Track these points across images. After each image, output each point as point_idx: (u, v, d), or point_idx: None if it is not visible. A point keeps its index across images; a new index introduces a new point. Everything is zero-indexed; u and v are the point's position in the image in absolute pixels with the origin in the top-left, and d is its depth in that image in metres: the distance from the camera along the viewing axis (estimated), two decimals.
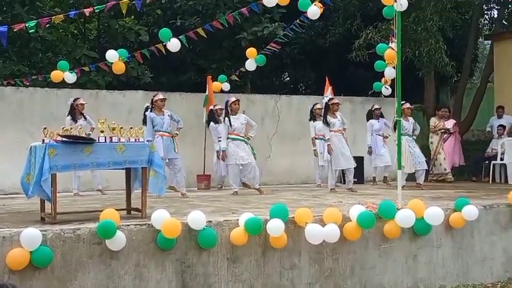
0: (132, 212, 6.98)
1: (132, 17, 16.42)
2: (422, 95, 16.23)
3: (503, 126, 13.64)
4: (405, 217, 6.65)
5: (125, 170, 6.99)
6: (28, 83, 11.92)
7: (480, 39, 20.31)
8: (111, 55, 9.56)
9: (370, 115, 12.75)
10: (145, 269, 5.78)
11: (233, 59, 15.73)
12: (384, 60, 9.16)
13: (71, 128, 6.60)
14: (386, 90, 10.78)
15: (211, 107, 11.72)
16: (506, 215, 7.65)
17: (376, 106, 12.73)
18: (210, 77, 12.71)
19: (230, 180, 10.70)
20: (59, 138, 6.23)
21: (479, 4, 15.54)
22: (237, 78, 12.77)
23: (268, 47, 11.04)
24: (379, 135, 12.60)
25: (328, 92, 13.85)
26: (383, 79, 10.27)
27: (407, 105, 11.59)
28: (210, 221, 6.10)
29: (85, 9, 9.20)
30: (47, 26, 10.45)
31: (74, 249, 5.53)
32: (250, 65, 11.00)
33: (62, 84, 11.58)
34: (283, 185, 12.86)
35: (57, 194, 6.28)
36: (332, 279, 6.52)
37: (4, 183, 10.94)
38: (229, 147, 10.50)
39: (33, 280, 5.34)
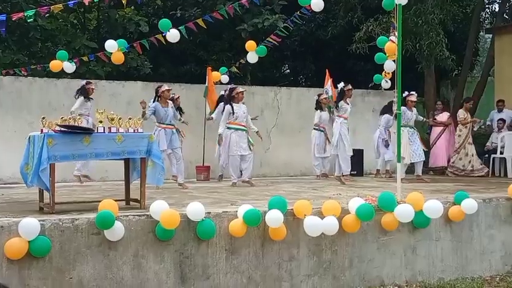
0: (131, 202, 6.97)
1: (132, 7, 16.35)
2: (423, 88, 16.19)
3: (503, 120, 13.63)
4: (404, 210, 6.64)
5: (123, 161, 6.97)
6: (27, 73, 11.87)
7: (481, 33, 20.27)
8: (110, 45, 9.51)
9: (389, 109, 12.42)
10: (143, 259, 5.77)
11: (233, 51, 15.70)
12: (385, 53, 9.13)
13: (71, 118, 6.55)
14: (386, 83, 10.73)
15: (223, 92, 11.60)
16: (506, 209, 7.64)
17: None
18: (210, 68, 12.67)
19: (230, 171, 10.65)
20: (58, 128, 6.21)
21: None
22: (237, 70, 12.73)
23: (268, 39, 11.00)
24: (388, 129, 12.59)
25: (328, 84, 13.82)
26: (384, 72, 10.23)
27: (413, 97, 11.58)
28: (209, 212, 6.09)
29: None
30: (47, 15, 10.43)
31: (72, 239, 5.52)
32: (252, 57, 10.94)
33: (61, 74, 11.56)
34: (283, 177, 12.84)
35: (56, 184, 6.27)
36: (330, 271, 6.52)
37: (3, 173, 10.91)
38: (231, 137, 10.41)
39: (31, 270, 5.34)
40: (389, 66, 9.20)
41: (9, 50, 14.13)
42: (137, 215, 5.88)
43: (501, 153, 12.94)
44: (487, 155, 13.43)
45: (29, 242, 5.28)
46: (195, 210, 5.93)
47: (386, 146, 12.49)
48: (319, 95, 12.34)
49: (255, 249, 6.21)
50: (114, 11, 15.72)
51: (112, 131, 6.49)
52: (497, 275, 7.41)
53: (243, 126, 10.50)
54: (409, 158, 11.35)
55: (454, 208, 7.14)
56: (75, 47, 14.30)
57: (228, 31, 15.65)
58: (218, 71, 12.35)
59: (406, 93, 11.50)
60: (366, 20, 14.74)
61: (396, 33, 7.67)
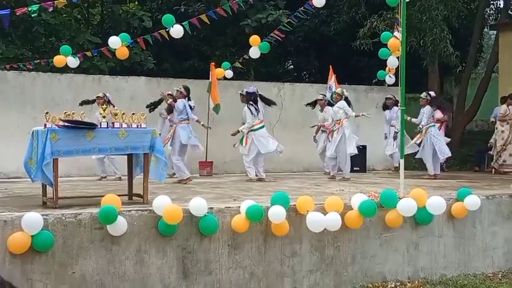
0: (133, 197, 6.98)
1: (136, 2, 16.35)
2: (426, 84, 16.16)
3: None
4: (407, 206, 6.63)
5: (126, 156, 6.98)
6: (31, 67, 11.88)
7: (485, 29, 20.20)
8: (114, 41, 9.51)
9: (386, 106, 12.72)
10: (146, 254, 5.78)
11: (237, 46, 15.68)
12: (389, 49, 9.12)
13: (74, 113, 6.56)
14: (390, 79, 10.73)
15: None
16: (509, 206, 7.63)
17: (388, 95, 12.65)
18: (213, 63, 12.67)
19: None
20: (61, 123, 6.21)
21: None
22: (240, 66, 12.72)
23: (272, 34, 10.98)
24: (391, 125, 12.51)
25: (332, 80, 13.81)
26: (387, 68, 10.22)
27: (422, 94, 11.46)
28: (212, 208, 6.10)
29: None
30: (50, 10, 10.42)
31: (75, 234, 5.53)
32: (254, 52, 10.95)
33: (65, 69, 11.56)
34: (286, 172, 12.84)
35: (59, 178, 6.28)
36: (333, 267, 6.52)
37: (6, 167, 10.94)
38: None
39: (34, 264, 5.36)
40: (393, 62, 9.22)
41: (13, 44, 14.14)
42: (140, 210, 5.89)
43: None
44: (490, 152, 13.39)
45: (32, 236, 5.30)
46: (198, 205, 5.94)
47: (394, 138, 12.47)
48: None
49: (258, 245, 6.21)
50: (117, 6, 15.73)
51: (115, 126, 6.49)
52: (499, 272, 7.41)
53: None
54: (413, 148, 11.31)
55: (457, 204, 7.14)
56: (79, 42, 14.32)
57: (232, 26, 15.64)
58: (221, 67, 12.35)
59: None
60: (370, 16, 14.71)
61: (400, 29, 7.65)
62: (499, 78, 15.55)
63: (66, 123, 6.22)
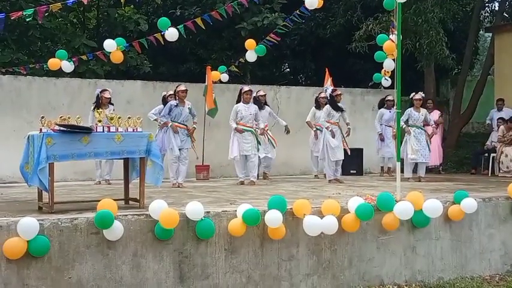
0: (130, 202, 6.97)
1: (132, 6, 16.35)
2: (423, 87, 16.17)
3: (503, 119, 13.60)
4: (404, 209, 6.63)
5: (123, 160, 6.97)
6: (26, 72, 11.86)
7: (481, 32, 20.26)
8: (109, 44, 9.51)
9: (382, 104, 12.78)
10: (142, 259, 5.76)
11: (233, 49, 15.69)
12: (384, 51, 9.12)
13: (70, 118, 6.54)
14: (386, 82, 10.73)
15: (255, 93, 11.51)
16: (505, 208, 7.63)
17: (389, 97, 12.66)
18: (210, 67, 12.66)
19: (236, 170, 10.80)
20: (57, 127, 6.19)
21: None
22: (236, 69, 12.72)
23: (268, 38, 10.99)
24: (389, 126, 12.55)
25: (328, 83, 13.81)
26: (383, 70, 10.22)
27: (417, 96, 11.40)
28: (208, 212, 6.08)
29: None
30: (46, 14, 10.40)
31: (71, 239, 5.51)
32: (251, 56, 10.96)
33: (61, 73, 11.54)
34: (282, 176, 12.83)
35: (55, 183, 6.26)
36: (330, 271, 6.51)
37: (2, 172, 10.91)
38: (234, 138, 10.56)
39: (30, 269, 5.33)
40: (389, 64, 9.20)
41: (8, 49, 14.12)
42: (136, 215, 5.87)
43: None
44: (486, 154, 13.42)
45: (28, 241, 5.27)
46: (194, 209, 5.92)
47: (382, 140, 12.54)
48: (319, 93, 12.29)
49: (254, 249, 6.20)
50: (113, 10, 15.71)
51: (111, 130, 6.48)
52: (496, 274, 7.40)
53: (248, 126, 10.54)
54: (415, 155, 11.26)
55: (453, 207, 7.14)
56: (75, 46, 14.30)
57: (228, 30, 15.64)
58: (217, 70, 12.35)
59: (413, 94, 11.47)
60: (366, 18, 14.74)
61: (396, 32, 7.66)
62: (494, 81, 15.59)
63: (61, 128, 6.20)
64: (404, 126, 11.02)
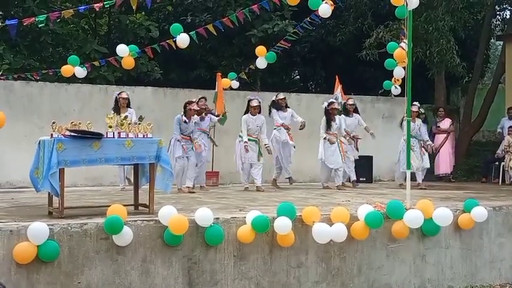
0: (139, 207, 6.98)
1: (143, 13, 16.41)
2: (433, 95, 16.13)
3: None
4: (414, 218, 6.61)
5: (133, 166, 6.99)
6: (38, 77, 11.92)
7: (492, 40, 20.16)
8: (122, 49, 9.55)
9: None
10: (152, 264, 5.78)
11: (243, 56, 15.70)
12: (395, 59, 9.12)
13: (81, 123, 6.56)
14: (396, 90, 10.71)
15: (274, 97, 11.61)
16: None
17: (413, 108, 12.06)
18: (220, 74, 12.68)
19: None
20: (68, 133, 6.23)
21: (491, 4, 15.42)
22: (246, 76, 12.72)
23: (278, 44, 11.00)
24: (413, 137, 11.84)
25: (338, 91, 13.79)
26: (393, 78, 10.21)
27: (414, 108, 11.34)
28: (218, 218, 6.09)
29: (95, 5, 9.19)
30: (58, 20, 10.46)
31: (81, 244, 5.53)
32: (261, 63, 10.98)
33: (72, 79, 11.59)
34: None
35: (65, 188, 6.29)
36: (339, 278, 6.50)
37: (12, 177, 10.96)
38: (238, 148, 10.89)
39: (40, 274, 5.36)
40: (399, 72, 9.21)
41: (20, 54, 14.20)
42: (145, 220, 5.88)
43: None
44: (497, 163, 13.35)
45: (37, 246, 5.30)
46: (204, 215, 5.93)
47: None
48: (347, 100, 12.15)
49: (263, 256, 6.20)
50: (124, 17, 15.78)
51: (121, 136, 6.50)
52: (506, 284, 7.38)
53: (253, 137, 10.86)
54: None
55: (463, 216, 7.11)
56: (86, 52, 14.36)
57: (238, 36, 15.66)
58: (228, 77, 12.36)
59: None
60: (376, 26, 14.71)
61: (406, 40, 7.65)
62: (505, 89, 15.51)
63: (72, 133, 6.23)
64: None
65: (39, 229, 5.32)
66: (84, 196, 9.03)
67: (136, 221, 5.82)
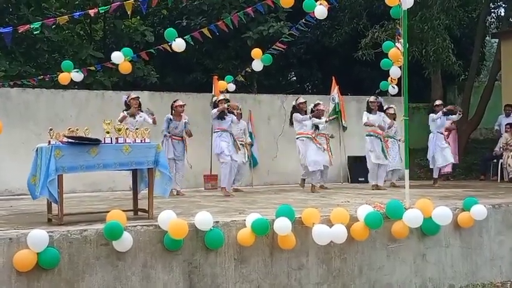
0: (139, 212, 6.97)
1: (138, 17, 16.42)
2: (430, 93, 16.16)
3: (511, 125, 13.54)
4: (413, 217, 6.60)
5: (131, 171, 6.97)
6: (35, 83, 11.90)
7: (487, 38, 20.23)
8: (116, 56, 9.54)
9: (432, 110, 12.05)
10: (152, 270, 5.76)
11: (239, 59, 15.72)
12: (390, 59, 9.12)
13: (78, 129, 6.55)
14: (393, 89, 10.73)
15: (294, 102, 11.29)
16: None
17: (437, 102, 12.16)
18: (216, 77, 12.68)
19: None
20: (65, 139, 6.21)
21: (486, 2, 15.46)
22: (243, 79, 12.73)
23: (274, 46, 11.01)
24: (440, 132, 11.84)
25: (335, 92, 13.83)
26: (389, 78, 10.22)
27: (390, 110, 11.65)
28: (217, 222, 6.08)
29: (90, 10, 9.19)
30: (53, 27, 10.46)
31: (81, 251, 5.51)
32: (257, 65, 10.98)
33: (68, 85, 11.58)
34: (290, 184, 12.79)
35: (64, 194, 6.27)
36: (340, 279, 6.49)
37: (11, 184, 10.95)
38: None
39: (41, 282, 5.34)
40: (395, 72, 9.20)
41: (16, 61, 14.20)
42: (145, 225, 5.87)
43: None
44: (495, 160, 13.37)
45: (37, 254, 5.28)
46: (203, 219, 5.92)
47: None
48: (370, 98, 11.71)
49: (264, 258, 6.19)
50: (120, 22, 15.79)
51: (119, 142, 6.49)
52: (507, 281, 7.37)
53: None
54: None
55: (463, 214, 7.11)
56: (82, 57, 14.38)
57: (234, 39, 15.68)
58: (224, 80, 12.36)
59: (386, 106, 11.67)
60: (372, 26, 14.75)
61: (401, 40, 7.66)
62: (502, 86, 15.55)
63: (70, 140, 6.22)
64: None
65: (38, 236, 5.30)
66: (83, 202, 9.02)
67: (136, 226, 5.81)
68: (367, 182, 12.71)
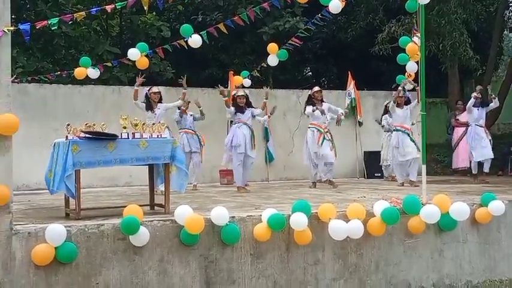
0: (155, 207, 7.00)
1: (154, 13, 16.45)
2: (447, 88, 16.04)
3: None
4: (430, 213, 6.56)
5: (148, 166, 7.00)
6: (52, 79, 11.98)
7: (505, 32, 20.01)
8: (133, 53, 9.57)
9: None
10: (169, 264, 5.79)
11: (255, 54, 15.70)
12: (407, 54, 9.07)
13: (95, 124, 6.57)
14: (409, 85, 10.64)
15: (310, 92, 11.23)
16: None
17: (474, 94, 11.72)
18: (232, 72, 12.68)
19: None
20: (82, 134, 6.25)
21: None
22: (258, 74, 12.70)
23: (290, 41, 10.97)
24: (479, 125, 11.68)
25: (351, 86, 13.78)
26: (406, 73, 10.14)
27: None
28: (233, 217, 6.09)
29: (106, 6, 9.21)
30: (70, 22, 10.50)
31: (98, 245, 5.55)
32: (273, 60, 10.94)
33: (85, 81, 11.65)
34: (307, 180, 12.75)
35: (81, 189, 6.31)
36: (356, 275, 6.47)
37: (29, 179, 11.04)
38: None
39: (58, 275, 5.38)
40: (412, 67, 9.15)
41: (33, 57, 14.30)
42: (162, 220, 5.89)
43: None
44: None
45: (55, 248, 5.32)
46: (219, 214, 5.93)
47: None
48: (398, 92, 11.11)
49: (280, 253, 6.19)
50: (136, 17, 15.84)
51: (136, 137, 6.51)
52: None
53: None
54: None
55: (480, 210, 7.05)
56: (98, 53, 14.44)
57: (250, 34, 15.66)
58: (240, 75, 12.36)
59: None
60: (388, 21, 14.66)
61: (418, 34, 7.61)
62: None
63: (87, 135, 6.25)
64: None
65: (56, 231, 5.35)
66: (100, 197, 9.08)
67: (152, 221, 5.83)
68: (383, 177, 12.70)
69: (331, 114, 10.76)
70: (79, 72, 10.23)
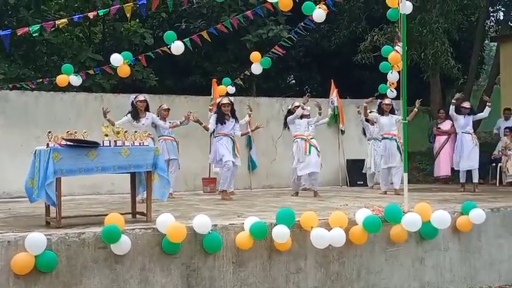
0: (137, 215, 6.96)
1: (137, 20, 16.42)
2: (428, 97, 16.17)
3: (511, 128, 13.53)
4: (412, 221, 6.59)
5: (130, 174, 6.96)
6: (33, 86, 11.90)
7: (486, 41, 20.26)
8: (116, 59, 9.53)
9: (457, 110, 11.56)
10: (150, 273, 5.75)
11: (238, 62, 15.71)
12: (389, 62, 9.13)
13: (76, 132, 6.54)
14: (391, 93, 10.71)
15: (290, 106, 11.28)
16: None
17: (465, 104, 11.71)
18: (215, 80, 12.68)
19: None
20: (63, 142, 6.20)
21: (485, 6, 15.49)
22: (241, 81, 12.72)
23: (273, 50, 11.01)
24: (466, 132, 11.55)
25: (334, 95, 13.83)
26: (388, 81, 10.21)
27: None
28: (215, 225, 6.07)
29: (89, 13, 9.20)
30: (52, 29, 10.45)
31: (79, 254, 5.50)
32: (256, 68, 10.97)
33: (67, 88, 11.58)
34: (289, 188, 12.77)
35: (62, 197, 6.26)
36: (338, 283, 6.48)
37: (9, 187, 10.94)
38: None
39: (38, 285, 5.33)
40: (394, 76, 9.20)
41: (15, 64, 14.19)
42: (143, 228, 5.86)
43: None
44: (494, 164, 13.36)
45: (35, 256, 5.27)
46: (202, 222, 5.91)
47: None
48: (382, 101, 11.25)
49: (262, 262, 6.18)
50: (119, 24, 15.79)
51: (118, 145, 6.47)
52: (506, 285, 7.37)
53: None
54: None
55: (461, 218, 7.10)
56: (81, 60, 14.36)
57: (233, 42, 15.68)
58: (222, 82, 12.36)
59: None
60: (371, 30, 14.76)
61: (400, 44, 7.66)
62: (501, 90, 15.57)
63: (68, 142, 6.21)
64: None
65: (36, 239, 5.29)
66: (81, 205, 9.01)
67: (134, 229, 5.80)
68: (366, 185, 12.74)
69: (315, 120, 10.86)
70: (61, 79, 10.17)
